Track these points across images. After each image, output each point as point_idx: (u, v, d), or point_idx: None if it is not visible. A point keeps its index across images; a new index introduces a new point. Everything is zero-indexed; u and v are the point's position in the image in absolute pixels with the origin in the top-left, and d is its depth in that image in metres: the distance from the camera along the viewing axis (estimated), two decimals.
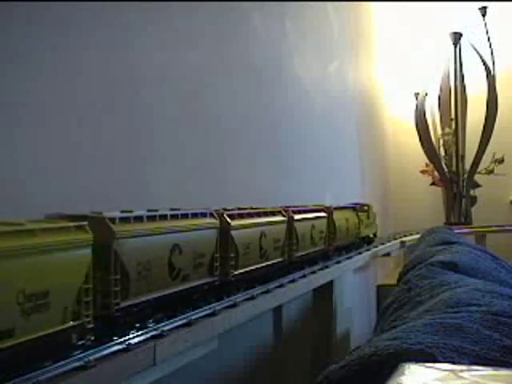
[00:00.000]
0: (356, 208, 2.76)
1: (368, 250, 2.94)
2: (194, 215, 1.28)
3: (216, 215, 1.37)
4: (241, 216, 1.50)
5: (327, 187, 3.33)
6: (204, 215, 1.32)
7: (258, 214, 1.63)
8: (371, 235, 3.10)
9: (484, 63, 4.64)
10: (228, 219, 1.41)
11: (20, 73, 1.26)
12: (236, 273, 1.45)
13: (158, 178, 1.74)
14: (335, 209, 2.35)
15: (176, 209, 1.26)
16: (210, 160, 2.06)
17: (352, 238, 2.62)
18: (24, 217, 0.87)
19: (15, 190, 1.22)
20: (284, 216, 1.80)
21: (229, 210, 1.48)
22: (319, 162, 3.26)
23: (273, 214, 1.74)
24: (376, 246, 3.15)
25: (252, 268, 1.54)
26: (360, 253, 2.73)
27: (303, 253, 1.95)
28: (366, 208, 2.96)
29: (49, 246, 0.83)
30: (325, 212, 2.23)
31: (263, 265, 1.62)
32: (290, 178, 2.79)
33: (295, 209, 1.93)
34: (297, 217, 1.89)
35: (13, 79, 1.24)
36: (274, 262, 1.69)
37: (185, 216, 1.24)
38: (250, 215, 1.57)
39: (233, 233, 1.42)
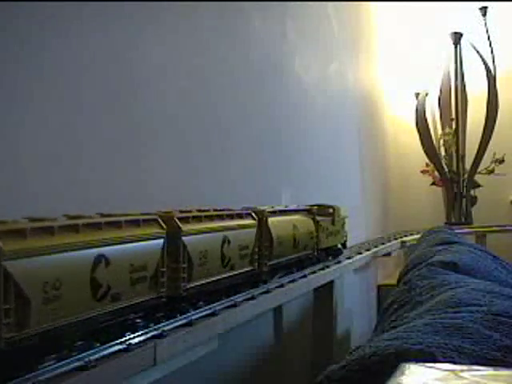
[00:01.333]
0: (312, 211, 2.07)
1: (368, 249, 2.94)
2: None
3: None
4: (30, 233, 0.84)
5: (327, 187, 3.33)
6: None
7: (97, 225, 0.98)
8: (339, 245, 2.40)
9: (484, 63, 4.64)
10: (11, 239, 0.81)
11: (20, 73, 1.26)
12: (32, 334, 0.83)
13: (156, 178, 1.74)
14: (272, 213, 1.71)
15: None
16: (211, 159, 2.06)
17: (305, 252, 1.97)
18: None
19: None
20: (161, 227, 1.15)
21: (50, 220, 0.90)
22: (319, 161, 3.26)
23: (135, 224, 1.08)
24: (376, 246, 3.16)
25: (68, 321, 0.89)
26: (360, 253, 2.74)
27: (203, 282, 1.30)
28: (329, 211, 2.26)
29: None
30: (253, 218, 1.59)
31: (101, 313, 0.97)
32: (288, 178, 2.79)
33: (189, 214, 1.28)
34: (187, 227, 1.24)
35: (13, 79, 1.25)
36: (131, 303, 1.05)
37: None
38: (68, 229, 0.91)
39: (9, 264, 0.79)
